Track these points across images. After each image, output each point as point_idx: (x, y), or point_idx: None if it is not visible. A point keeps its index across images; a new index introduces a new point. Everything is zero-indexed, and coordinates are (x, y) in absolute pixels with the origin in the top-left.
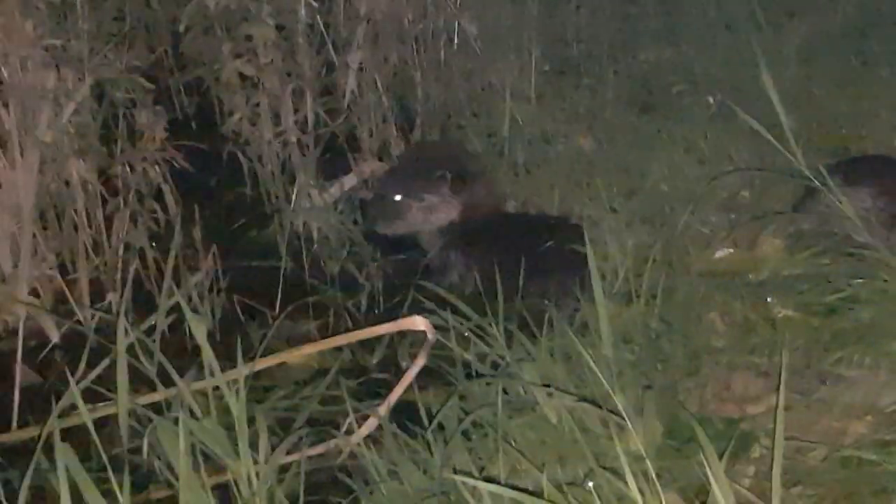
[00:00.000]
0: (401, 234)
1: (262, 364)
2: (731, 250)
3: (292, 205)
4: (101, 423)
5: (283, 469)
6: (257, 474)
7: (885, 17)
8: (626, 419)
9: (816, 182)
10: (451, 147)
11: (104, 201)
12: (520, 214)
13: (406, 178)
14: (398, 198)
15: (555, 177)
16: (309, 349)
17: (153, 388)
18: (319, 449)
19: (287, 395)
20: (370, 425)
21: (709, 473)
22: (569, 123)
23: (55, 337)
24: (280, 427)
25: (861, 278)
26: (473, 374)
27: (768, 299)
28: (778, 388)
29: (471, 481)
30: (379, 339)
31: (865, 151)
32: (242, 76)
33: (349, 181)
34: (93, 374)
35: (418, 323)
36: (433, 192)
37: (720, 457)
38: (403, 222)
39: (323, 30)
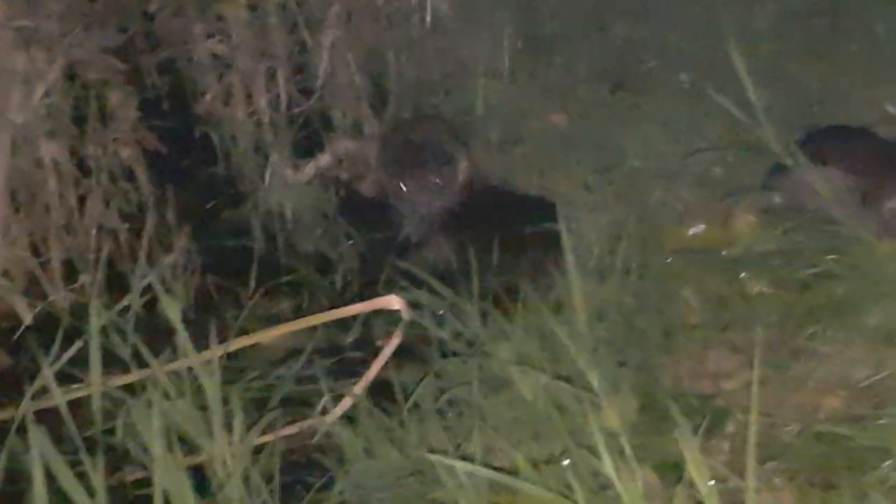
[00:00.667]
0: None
1: (236, 344)
2: (705, 226)
3: (266, 184)
4: (74, 406)
5: (258, 449)
6: (232, 455)
7: None
8: (602, 396)
9: (787, 158)
10: (437, 122)
11: (76, 182)
12: (494, 192)
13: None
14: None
15: (528, 154)
16: (283, 329)
17: (127, 370)
18: (294, 429)
19: (262, 375)
20: (345, 405)
21: (684, 449)
22: (542, 101)
23: (28, 318)
24: (255, 407)
25: (834, 254)
26: (449, 352)
27: (742, 275)
28: (752, 364)
29: (446, 460)
30: (354, 318)
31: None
32: (215, 56)
33: (323, 160)
34: (66, 356)
35: (393, 302)
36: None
37: (695, 433)
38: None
39: (296, 9)
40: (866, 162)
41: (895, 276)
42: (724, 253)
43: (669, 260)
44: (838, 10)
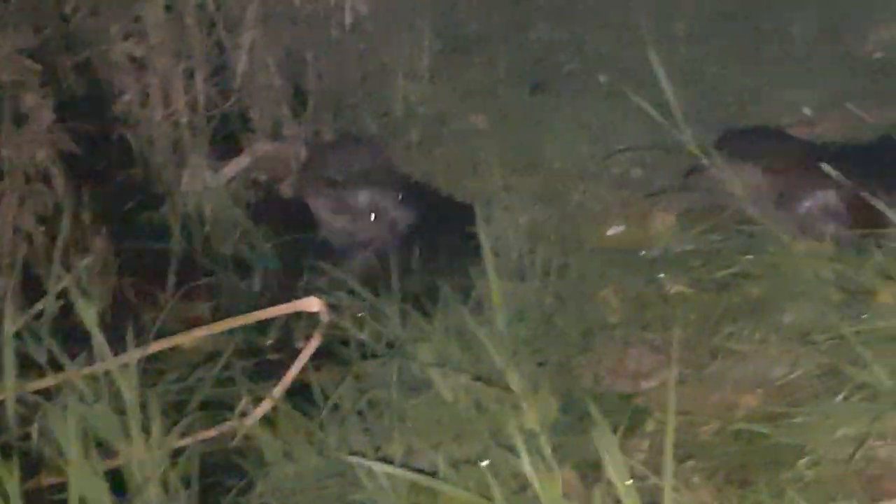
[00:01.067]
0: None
1: (154, 347)
2: (624, 227)
3: (184, 186)
4: None
5: (177, 452)
6: (150, 458)
7: None
8: (521, 396)
9: (705, 159)
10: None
11: None
12: (413, 194)
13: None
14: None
15: (448, 155)
16: (202, 332)
17: (43, 374)
18: (213, 432)
19: (180, 378)
20: (264, 407)
21: (602, 449)
22: (462, 102)
23: None
24: (174, 410)
25: (751, 253)
26: (368, 353)
27: (661, 275)
28: (671, 364)
29: (366, 462)
30: (273, 320)
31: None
32: (132, 57)
33: (241, 162)
34: None
35: (312, 304)
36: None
37: (614, 432)
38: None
39: (213, 10)
40: (782, 163)
41: (810, 276)
42: (643, 253)
43: (589, 260)
44: (756, 13)
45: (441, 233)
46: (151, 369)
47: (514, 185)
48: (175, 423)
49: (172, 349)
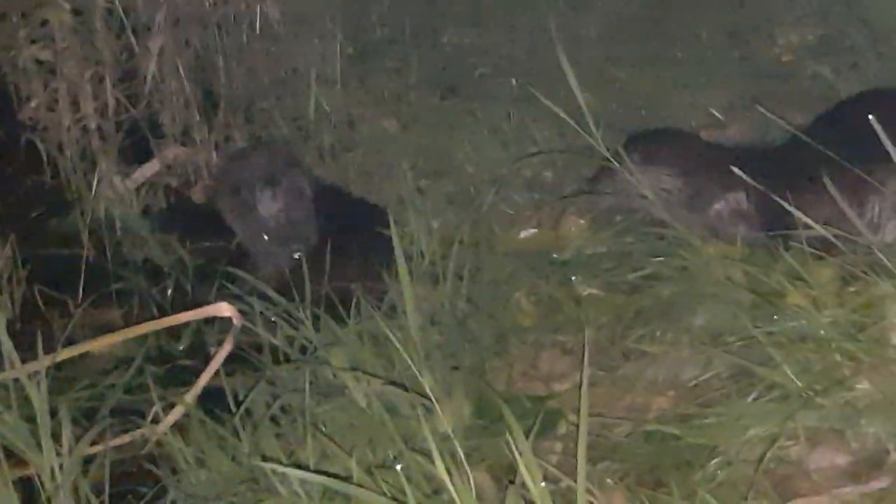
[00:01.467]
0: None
1: (64, 354)
2: (536, 230)
3: (94, 192)
4: None
5: (88, 460)
6: (61, 466)
7: None
8: (434, 401)
9: (615, 162)
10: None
11: None
12: (326, 198)
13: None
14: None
15: (360, 160)
16: (113, 338)
17: None
18: (125, 439)
19: (91, 385)
20: (176, 413)
21: (516, 451)
22: (374, 107)
23: None
24: (85, 418)
25: (662, 256)
26: (281, 359)
27: (573, 278)
28: (583, 366)
29: (279, 468)
30: (186, 326)
31: None
32: (39, 62)
33: (152, 167)
34: None
35: (224, 309)
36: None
37: (527, 435)
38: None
39: (122, 14)
40: (691, 165)
41: (721, 278)
42: (555, 256)
43: (501, 263)
44: (664, 17)
45: (354, 237)
46: (62, 377)
47: (426, 188)
48: (86, 431)
49: (83, 356)
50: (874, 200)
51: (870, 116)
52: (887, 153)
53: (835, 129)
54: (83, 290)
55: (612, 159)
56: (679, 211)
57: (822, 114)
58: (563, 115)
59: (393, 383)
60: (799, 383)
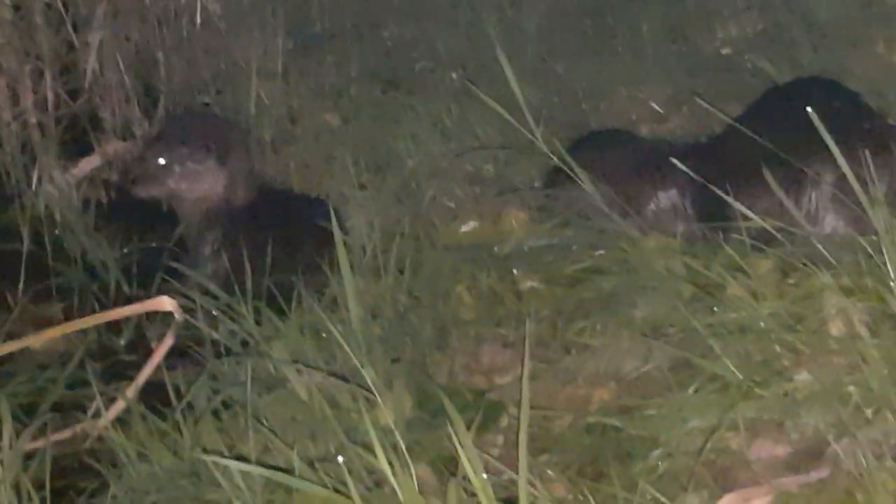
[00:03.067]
0: (157, 197)
1: (3, 349)
2: (477, 224)
3: (34, 187)
4: None
5: (29, 455)
6: (1, 462)
7: None
8: (376, 393)
9: (554, 158)
10: (216, 116)
11: None
12: (267, 192)
13: (172, 144)
14: (162, 162)
15: (302, 154)
16: (53, 332)
17: None
18: (66, 433)
19: (31, 379)
20: (117, 408)
21: (458, 444)
22: (315, 100)
23: None
24: (25, 413)
25: (602, 249)
26: (223, 353)
27: (514, 271)
28: (524, 359)
29: (221, 460)
30: (127, 321)
31: (604, 124)
32: None
33: (92, 161)
34: None
35: (165, 303)
36: (198, 161)
37: (468, 427)
38: (164, 188)
39: (62, 8)
40: (631, 159)
41: (661, 271)
42: (496, 249)
43: (442, 257)
44: (605, 11)
45: (295, 231)
46: (1, 371)
47: (367, 182)
48: (26, 426)
49: (23, 351)
50: (812, 192)
51: (808, 108)
52: (823, 144)
53: (770, 118)
54: (23, 284)
55: (551, 155)
56: (618, 205)
57: (754, 103)
58: (500, 110)
59: (334, 375)
60: (739, 374)
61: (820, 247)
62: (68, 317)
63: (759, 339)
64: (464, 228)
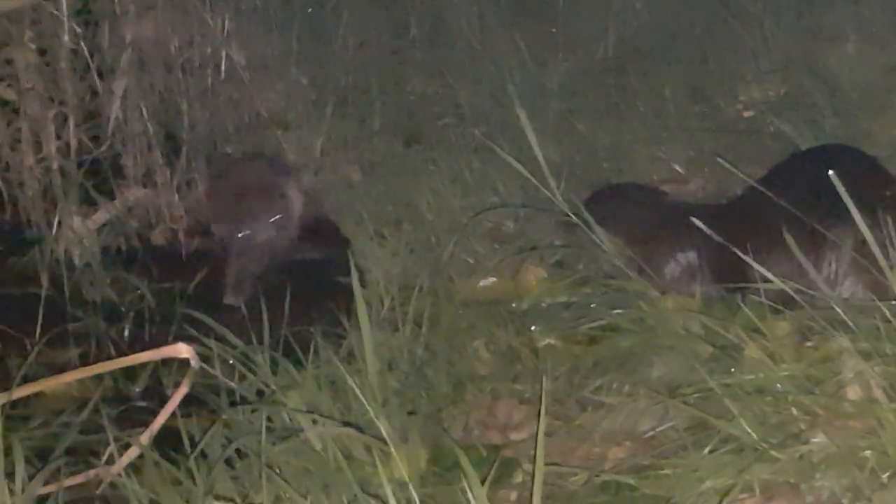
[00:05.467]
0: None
1: (19, 393)
2: (495, 280)
3: (54, 232)
4: None
5: (42, 500)
6: None
7: (643, 52)
8: (391, 446)
9: (573, 216)
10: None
11: None
12: (289, 242)
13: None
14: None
15: (323, 205)
16: (69, 377)
17: None
18: (79, 479)
19: (46, 423)
20: (131, 454)
21: (472, 499)
22: (336, 153)
23: None
24: (39, 457)
25: (620, 308)
26: (238, 401)
27: (531, 328)
28: (539, 415)
29: None
30: (143, 367)
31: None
32: (3, 100)
33: (113, 208)
34: None
35: (181, 350)
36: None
37: (483, 482)
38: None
39: (87, 55)
40: (651, 219)
41: (679, 330)
42: (514, 306)
43: (460, 312)
44: (628, 70)
45: (314, 282)
46: (16, 415)
47: (387, 236)
48: (40, 470)
49: (38, 395)
50: (831, 256)
51: (830, 172)
52: (844, 208)
53: (791, 182)
54: (40, 329)
55: (570, 214)
56: (638, 264)
57: (776, 166)
58: (518, 166)
59: (349, 425)
60: (755, 436)
61: (839, 310)
62: (84, 362)
63: (775, 401)
64: (482, 284)
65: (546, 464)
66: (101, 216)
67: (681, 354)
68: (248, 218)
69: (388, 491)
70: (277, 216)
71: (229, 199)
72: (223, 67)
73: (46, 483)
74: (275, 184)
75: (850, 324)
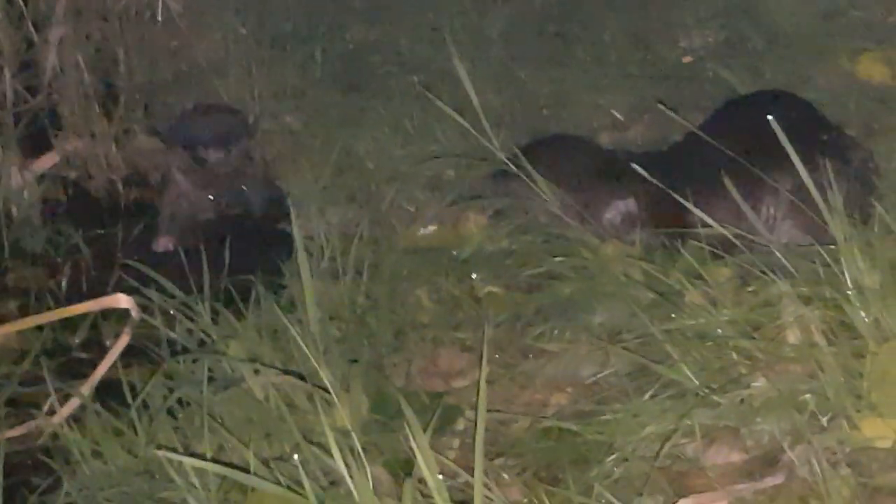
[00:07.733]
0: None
1: None
2: (436, 228)
3: None
4: None
5: None
6: None
7: None
8: (333, 394)
9: (511, 165)
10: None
11: None
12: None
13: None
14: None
15: (262, 154)
16: (8, 329)
17: None
18: (20, 430)
19: None
20: (72, 405)
21: (414, 446)
22: (276, 101)
23: None
24: None
25: (561, 255)
26: (179, 351)
27: (473, 276)
28: (481, 362)
29: (176, 457)
30: (83, 318)
31: (565, 131)
32: None
33: (50, 159)
34: None
35: (121, 301)
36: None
37: (425, 430)
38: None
39: (22, 4)
40: (590, 166)
41: (620, 277)
42: (455, 254)
43: (401, 260)
44: (568, 18)
45: (254, 231)
46: None
47: (327, 184)
48: None
49: None
50: (770, 200)
51: (768, 117)
52: (782, 153)
53: (729, 128)
54: None
55: (508, 163)
56: (578, 211)
57: (715, 112)
58: (456, 116)
59: (291, 373)
60: (696, 381)
61: (778, 255)
62: (24, 314)
63: (716, 346)
64: (423, 232)
65: (488, 410)
66: (38, 167)
67: (622, 301)
68: (209, 135)
69: (330, 439)
70: (236, 149)
71: (196, 117)
72: (160, 15)
73: None
74: (239, 123)
75: (790, 268)
